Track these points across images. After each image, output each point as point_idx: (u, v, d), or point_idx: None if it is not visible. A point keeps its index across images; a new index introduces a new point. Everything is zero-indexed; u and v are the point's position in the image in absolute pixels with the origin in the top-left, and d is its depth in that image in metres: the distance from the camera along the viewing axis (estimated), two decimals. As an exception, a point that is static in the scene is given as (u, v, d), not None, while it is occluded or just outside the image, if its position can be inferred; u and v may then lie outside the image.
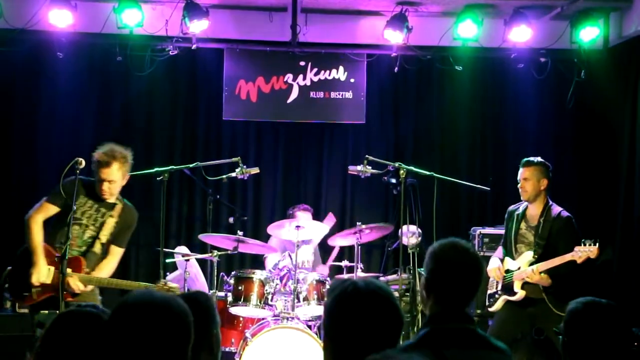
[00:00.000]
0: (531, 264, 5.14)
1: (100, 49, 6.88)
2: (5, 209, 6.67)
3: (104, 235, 4.91)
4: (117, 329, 1.95)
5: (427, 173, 5.88)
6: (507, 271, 5.29)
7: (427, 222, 6.26)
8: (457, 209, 7.41)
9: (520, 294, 5.17)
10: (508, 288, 5.25)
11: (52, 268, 4.68)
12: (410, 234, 6.19)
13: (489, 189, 6.21)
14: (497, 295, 5.35)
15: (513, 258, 5.31)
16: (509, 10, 6.75)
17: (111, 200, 4.94)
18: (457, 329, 2.42)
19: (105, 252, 4.94)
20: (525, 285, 5.17)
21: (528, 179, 5.23)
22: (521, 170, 5.26)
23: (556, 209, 5.28)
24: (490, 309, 5.43)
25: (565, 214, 5.25)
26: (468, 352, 2.36)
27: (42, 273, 4.65)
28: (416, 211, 6.31)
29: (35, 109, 6.97)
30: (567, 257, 4.96)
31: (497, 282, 5.37)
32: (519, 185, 5.26)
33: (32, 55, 6.83)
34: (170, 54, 6.80)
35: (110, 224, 4.93)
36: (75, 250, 4.77)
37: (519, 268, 5.21)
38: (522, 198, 5.30)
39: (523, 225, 5.33)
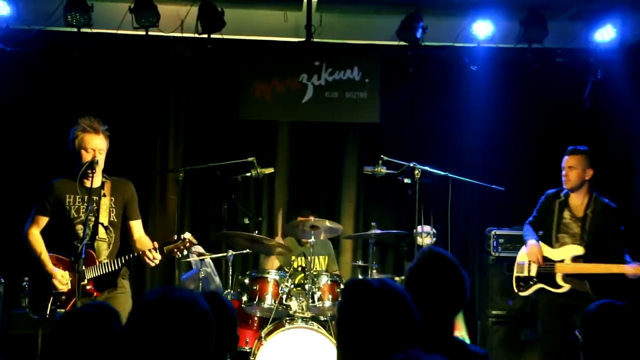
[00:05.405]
0: (578, 258, 5.07)
1: (116, 50, 6.92)
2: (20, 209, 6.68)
3: (104, 218, 4.64)
4: (137, 328, 1.89)
5: (442, 173, 5.88)
6: (546, 259, 5.18)
7: (442, 222, 6.26)
8: (472, 210, 7.38)
9: (564, 287, 5.08)
10: (547, 278, 5.16)
11: (67, 273, 4.57)
12: (424, 234, 6.17)
13: (503, 188, 6.18)
14: (531, 282, 5.24)
15: (552, 246, 5.21)
16: (525, 11, 6.72)
17: (97, 183, 4.61)
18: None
19: (111, 234, 4.68)
20: (567, 277, 5.09)
21: (573, 167, 5.15)
22: (566, 157, 5.17)
23: (602, 200, 5.18)
24: (521, 294, 5.36)
25: (612, 205, 5.17)
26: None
27: (61, 279, 4.55)
28: (431, 211, 6.30)
29: (52, 109, 6.98)
30: (616, 269, 4.90)
31: (530, 266, 5.27)
32: (563, 173, 5.20)
33: (48, 56, 6.83)
34: (186, 54, 6.83)
35: (106, 203, 4.65)
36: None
37: (562, 260, 5.11)
38: (564, 186, 5.22)
39: (567, 214, 5.22)
